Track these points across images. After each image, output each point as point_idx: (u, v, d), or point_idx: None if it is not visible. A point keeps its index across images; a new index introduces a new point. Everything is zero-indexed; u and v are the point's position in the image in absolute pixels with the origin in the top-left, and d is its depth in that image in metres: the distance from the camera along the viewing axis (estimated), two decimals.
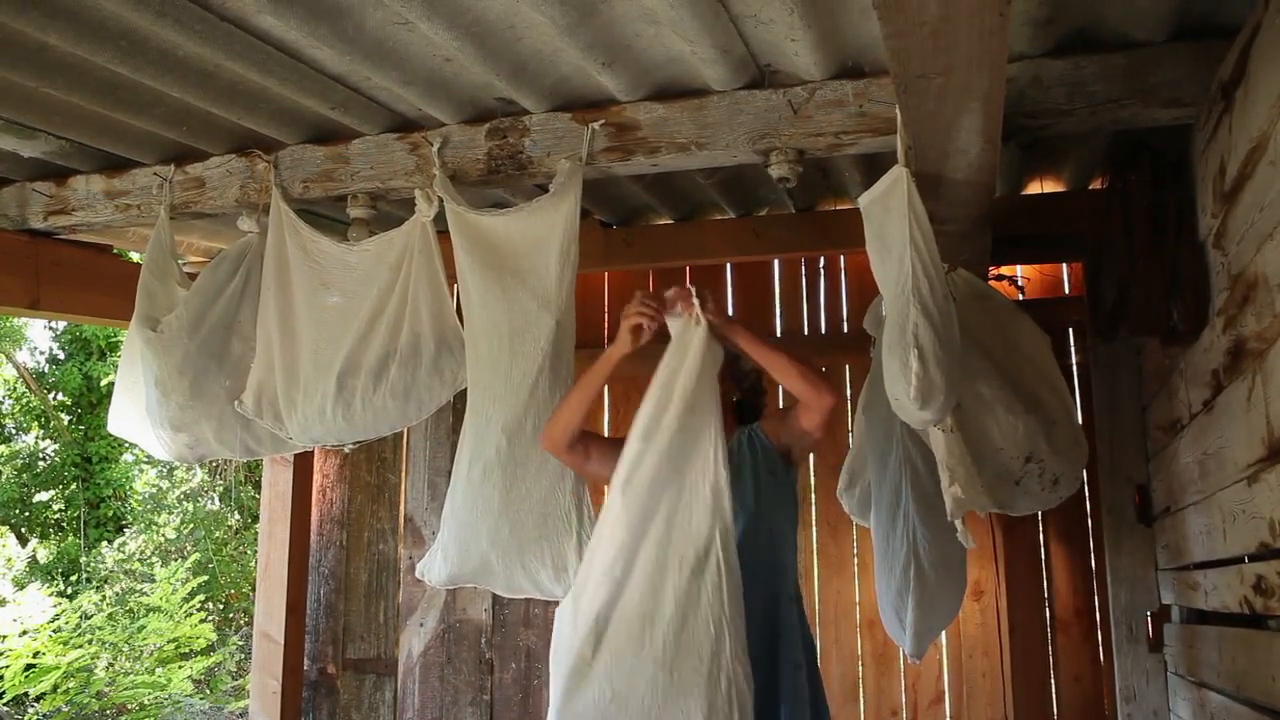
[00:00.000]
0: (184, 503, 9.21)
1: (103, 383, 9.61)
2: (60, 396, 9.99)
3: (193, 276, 2.84)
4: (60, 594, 7.80)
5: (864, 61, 2.28)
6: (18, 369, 9.94)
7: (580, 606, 2.09)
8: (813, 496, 3.78)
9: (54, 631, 6.78)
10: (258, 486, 7.48)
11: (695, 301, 2.17)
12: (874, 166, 2.80)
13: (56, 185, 2.99)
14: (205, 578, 7.93)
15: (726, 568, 2.03)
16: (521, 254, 2.46)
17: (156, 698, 6.56)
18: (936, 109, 1.75)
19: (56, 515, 9.75)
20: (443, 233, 2.56)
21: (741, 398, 2.59)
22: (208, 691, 7.29)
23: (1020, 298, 3.55)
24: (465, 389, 2.57)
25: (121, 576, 8.40)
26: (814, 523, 3.77)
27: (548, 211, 2.42)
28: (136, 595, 7.71)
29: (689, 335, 2.17)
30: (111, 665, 6.83)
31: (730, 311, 3.91)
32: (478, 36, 2.10)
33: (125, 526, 9.46)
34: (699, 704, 1.96)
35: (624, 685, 2.01)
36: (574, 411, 2.31)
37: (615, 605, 2.07)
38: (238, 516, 8.97)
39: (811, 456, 3.80)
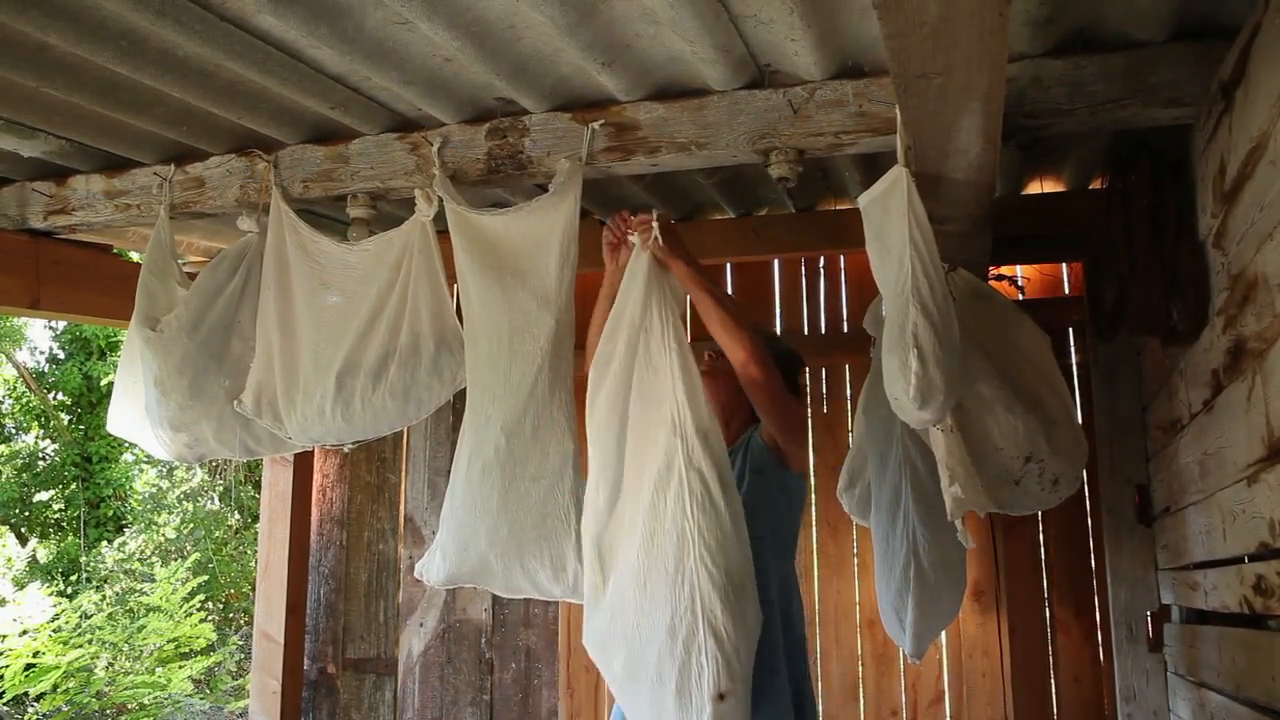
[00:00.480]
0: (184, 502, 9.22)
1: (103, 382, 9.62)
2: (60, 396, 10.00)
3: (192, 276, 2.84)
4: (60, 594, 7.81)
5: (864, 61, 2.28)
6: (18, 369, 9.95)
7: (586, 538, 2.18)
8: (813, 496, 3.78)
9: (54, 631, 6.78)
10: (258, 486, 7.49)
11: (652, 229, 2.23)
12: (874, 166, 2.80)
13: (56, 185, 2.99)
14: (205, 577, 7.94)
15: (691, 477, 2.02)
16: (521, 254, 2.46)
17: (156, 697, 6.57)
18: (936, 109, 1.75)
19: (56, 515, 9.76)
20: (442, 232, 2.56)
21: None
22: (208, 691, 7.29)
23: (1020, 298, 3.55)
24: (464, 388, 2.57)
25: (121, 576, 8.41)
26: (814, 523, 3.77)
27: (548, 211, 2.42)
28: (136, 595, 7.72)
29: (636, 263, 2.24)
30: (111, 665, 6.84)
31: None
32: (478, 36, 2.10)
33: (125, 526, 9.47)
34: (664, 615, 1.97)
35: (618, 605, 2.07)
36: (593, 340, 2.39)
37: (606, 529, 2.14)
38: (238, 516, 8.98)
39: (812, 457, 3.80)
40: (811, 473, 3.81)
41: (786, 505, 2.43)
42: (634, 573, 2.04)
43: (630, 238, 2.28)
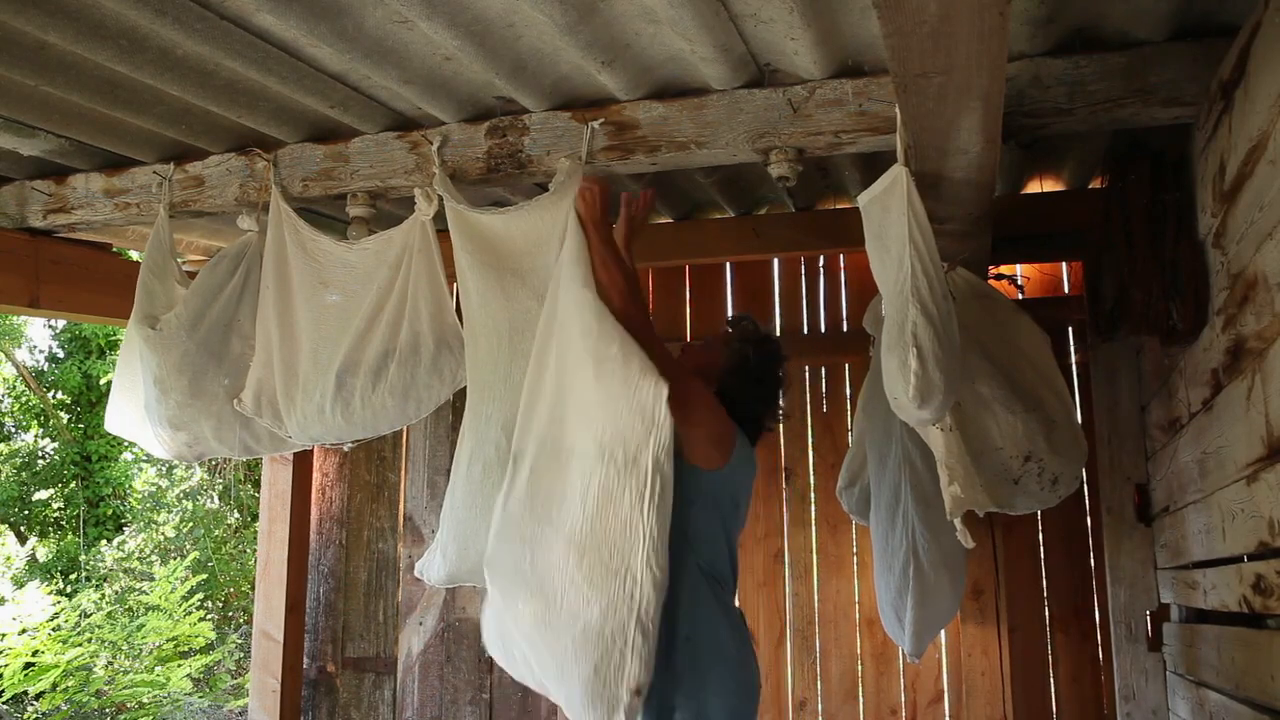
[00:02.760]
0: (183, 501, 9.21)
1: (102, 381, 9.62)
2: (59, 395, 9.99)
3: (192, 275, 2.84)
4: (59, 592, 7.81)
5: (864, 60, 2.28)
6: (17, 367, 9.94)
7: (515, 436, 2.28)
8: (812, 495, 3.78)
9: (53, 630, 6.78)
10: (257, 485, 7.48)
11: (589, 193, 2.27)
12: (874, 165, 2.80)
13: (56, 184, 2.99)
14: (204, 576, 7.94)
15: (654, 476, 2.04)
16: (522, 253, 2.46)
17: (155, 696, 6.57)
18: (936, 108, 1.75)
19: (56, 514, 9.75)
20: (442, 231, 2.56)
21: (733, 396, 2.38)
22: (207, 690, 7.29)
23: (1020, 297, 3.55)
24: (464, 387, 2.57)
25: (121, 575, 8.41)
26: (814, 522, 3.77)
27: (548, 210, 2.42)
28: (136, 594, 7.72)
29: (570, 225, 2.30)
30: (111, 664, 6.83)
31: (730, 302, 3.92)
32: (477, 35, 2.10)
33: (124, 525, 9.46)
34: (598, 597, 2.05)
35: (538, 545, 2.16)
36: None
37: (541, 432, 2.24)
38: (237, 515, 8.97)
39: (811, 456, 3.80)
40: (811, 472, 3.81)
41: (677, 493, 2.10)
42: (567, 537, 2.06)
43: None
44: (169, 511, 9.20)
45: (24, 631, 6.60)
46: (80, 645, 6.68)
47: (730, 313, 3.93)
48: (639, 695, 1.97)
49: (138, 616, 7.24)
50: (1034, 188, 3.42)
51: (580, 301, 2.15)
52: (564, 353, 2.18)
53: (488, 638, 2.31)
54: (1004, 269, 3.51)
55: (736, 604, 2.35)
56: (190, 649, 7.20)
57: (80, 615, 7.14)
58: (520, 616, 2.12)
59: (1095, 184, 3.28)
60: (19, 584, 7.83)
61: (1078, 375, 3.49)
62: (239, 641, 7.69)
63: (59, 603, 7.10)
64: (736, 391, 2.37)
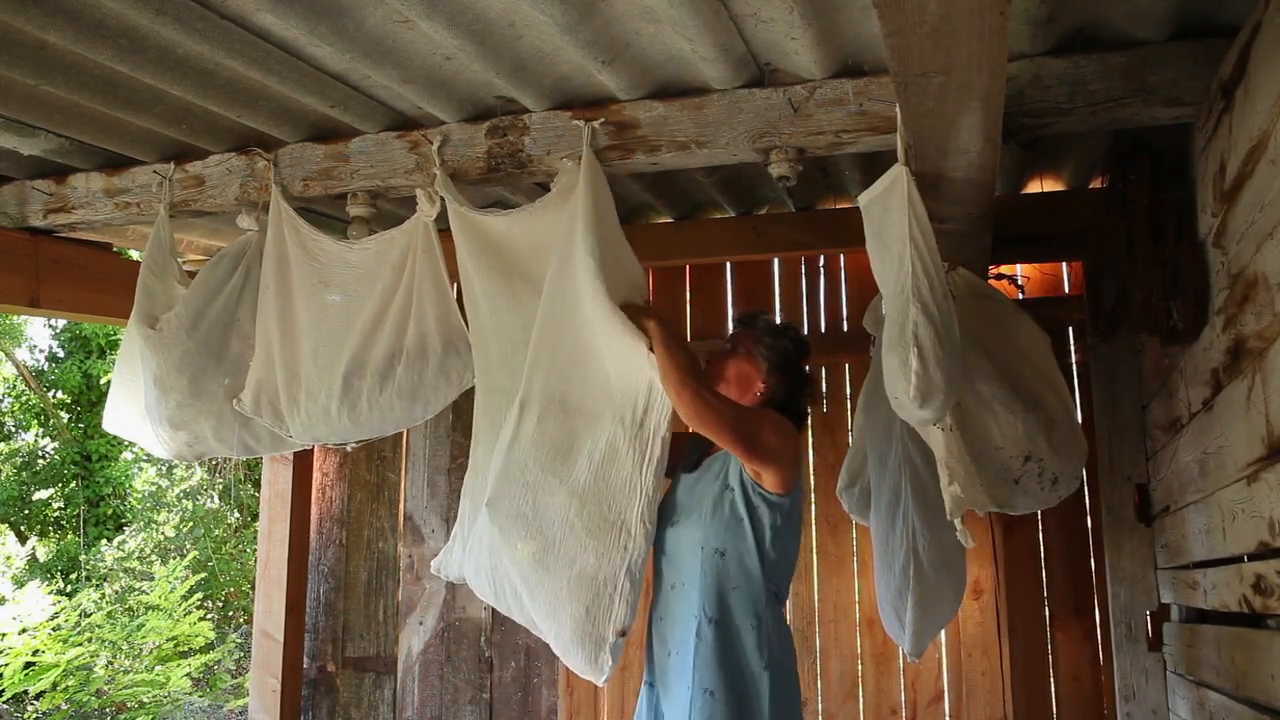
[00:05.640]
0: (183, 501, 9.21)
1: (102, 381, 9.62)
2: (60, 394, 9.99)
3: (192, 274, 2.84)
4: (60, 592, 7.81)
5: (864, 60, 2.28)
6: (17, 367, 9.95)
7: (533, 380, 2.38)
8: (813, 495, 3.78)
9: (53, 630, 6.79)
10: (257, 485, 7.48)
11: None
12: (874, 165, 2.80)
13: (56, 183, 2.99)
14: (204, 576, 7.95)
15: (655, 441, 2.20)
16: (527, 256, 2.45)
17: (155, 696, 6.57)
18: (936, 108, 1.75)
19: (56, 513, 9.76)
20: (443, 231, 2.56)
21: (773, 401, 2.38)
22: (207, 690, 7.30)
23: (1020, 297, 3.55)
24: (470, 388, 2.57)
25: (121, 575, 8.41)
26: (814, 522, 3.77)
27: (550, 212, 2.42)
28: (136, 593, 7.72)
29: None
30: (111, 663, 6.84)
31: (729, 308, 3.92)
32: (478, 35, 2.10)
33: (124, 525, 9.47)
34: (593, 544, 2.22)
35: (541, 490, 2.30)
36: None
37: (561, 376, 2.36)
38: (237, 515, 8.97)
39: (811, 456, 3.80)
40: (811, 472, 3.81)
41: (756, 525, 2.25)
42: (570, 487, 2.19)
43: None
44: (169, 511, 9.21)
45: (24, 631, 6.61)
46: (80, 645, 6.69)
47: (733, 312, 3.92)
48: (623, 636, 2.14)
49: (138, 616, 7.25)
50: (1034, 188, 3.42)
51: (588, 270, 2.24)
52: (586, 319, 2.26)
53: (473, 574, 2.41)
54: (1004, 269, 3.51)
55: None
56: (190, 649, 7.21)
57: (80, 615, 7.15)
58: (518, 555, 2.21)
59: (1095, 184, 3.28)
60: (19, 584, 7.83)
61: (1078, 375, 3.49)
62: (239, 641, 7.69)
63: (59, 602, 7.11)
64: (786, 388, 2.38)
